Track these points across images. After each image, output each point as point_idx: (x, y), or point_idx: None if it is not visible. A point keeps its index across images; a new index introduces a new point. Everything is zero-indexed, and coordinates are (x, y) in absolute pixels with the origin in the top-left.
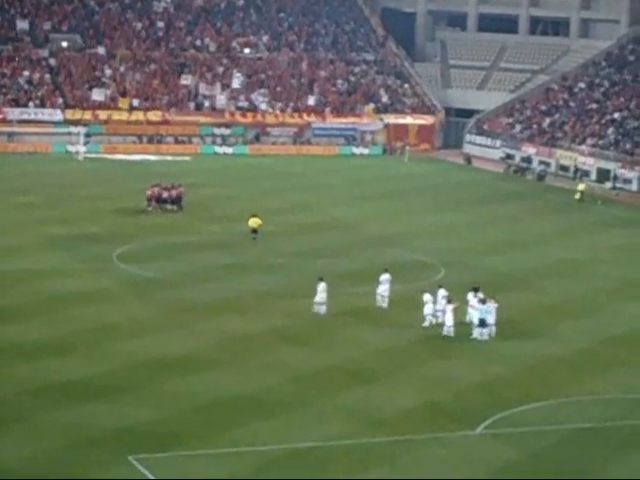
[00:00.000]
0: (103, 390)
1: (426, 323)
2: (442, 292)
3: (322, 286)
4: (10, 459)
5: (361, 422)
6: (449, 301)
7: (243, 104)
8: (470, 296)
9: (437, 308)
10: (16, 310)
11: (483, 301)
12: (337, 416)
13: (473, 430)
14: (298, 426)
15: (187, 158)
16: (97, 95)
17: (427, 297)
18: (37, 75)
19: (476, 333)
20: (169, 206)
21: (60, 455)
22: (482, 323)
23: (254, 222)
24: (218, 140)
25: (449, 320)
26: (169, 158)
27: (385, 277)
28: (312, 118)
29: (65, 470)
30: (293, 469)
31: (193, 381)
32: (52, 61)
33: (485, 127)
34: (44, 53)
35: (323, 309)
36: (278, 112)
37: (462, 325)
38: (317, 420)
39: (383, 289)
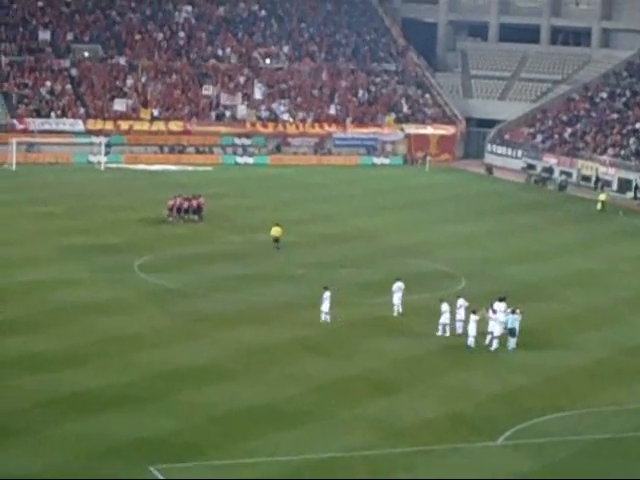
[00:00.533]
0: (121, 400)
1: (439, 332)
2: (461, 302)
3: (327, 294)
4: (25, 470)
5: (382, 432)
6: (474, 312)
7: (264, 114)
8: (496, 306)
9: (457, 318)
10: (34, 321)
11: (513, 311)
12: (358, 426)
13: (494, 441)
14: (319, 436)
15: (208, 168)
16: (118, 105)
17: (445, 307)
18: (59, 85)
19: (512, 343)
20: (190, 216)
21: (77, 466)
22: (512, 333)
23: (276, 231)
24: (239, 150)
25: (472, 330)
26: (190, 168)
27: (397, 285)
28: (333, 128)
29: None
30: (314, 479)
31: (212, 391)
32: (73, 71)
33: (506, 137)
34: (66, 63)
35: (328, 318)
36: (299, 122)
37: (482, 335)
38: (338, 430)
39: (397, 297)
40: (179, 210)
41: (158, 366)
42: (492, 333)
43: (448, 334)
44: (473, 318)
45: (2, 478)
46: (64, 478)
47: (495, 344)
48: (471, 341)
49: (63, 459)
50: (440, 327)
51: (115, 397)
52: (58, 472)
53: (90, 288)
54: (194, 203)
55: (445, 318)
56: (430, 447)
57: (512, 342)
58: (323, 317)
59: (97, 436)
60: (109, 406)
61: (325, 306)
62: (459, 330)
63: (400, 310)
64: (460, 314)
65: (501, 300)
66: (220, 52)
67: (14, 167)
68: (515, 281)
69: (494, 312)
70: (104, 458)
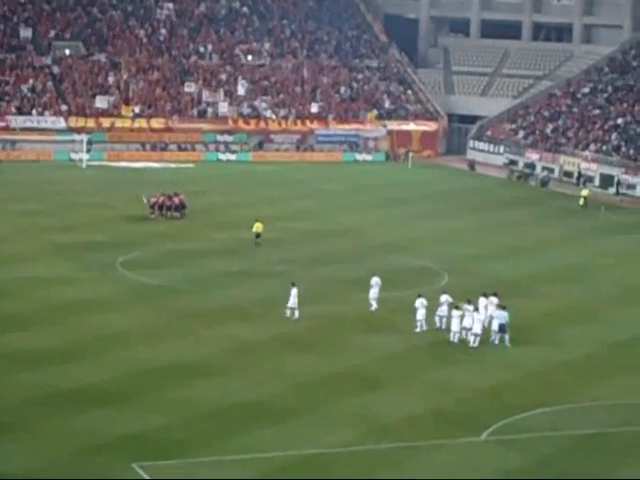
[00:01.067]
0: (108, 397)
1: (417, 329)
2: (445, 298)
3: (294, 291)
4: (16, 467)
5: (366, 428)
6: (456, 307)
7: (246, 111)
8: (480, 301)
9: (440, 314)
10: (21, 318)
11: (503, 307)
12: (342, 422)
13: (478, 436)
14: (304, 432)
15: (190, 165)
16: (100, 103)
17: (419, 303)
18: (40, 83)
19: (506, 340)
20: (172, 213)
21: (65, 462)
22: (502, 328)
23: (257, 227)
24: (221, 147)
25: (455, 326)
26: (172, 165)
27: (375, 280)
28: (315, 125)
29: (71, 476)
30: (299, 475)
31: (199, 388)
32: (55, 69)
33: (488, 133)
34: (47, 61)
35: (296, 314)
36: (281, 119)
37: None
38: (323, 426)
39: (373, 292)
40: (161, 207)
41: (144, 363)
42: (471, 329)
43: (426, 328)
44: (456, 314)
45: None
46: (50, 476)
47: (475, 341)
48: (454, 337)
49: (49, 456)
50: (418, 324)
51: (101, 394)
52: (44, 469)
53: (75, 285)
54: (176, 200)
55: (420, 314)
56: (414, 443)
57: (506, 338)
58: (288, 313)
59: (84, 433)
60: (95, 403)
61: (292, 302)
62: (438, 324)
63: (375, 306)
64: (443, 310)
65: (494, 295)
66: (202, 49)
67: None
68: (498, 277)
69: (476, 309)
70: (90, 455)
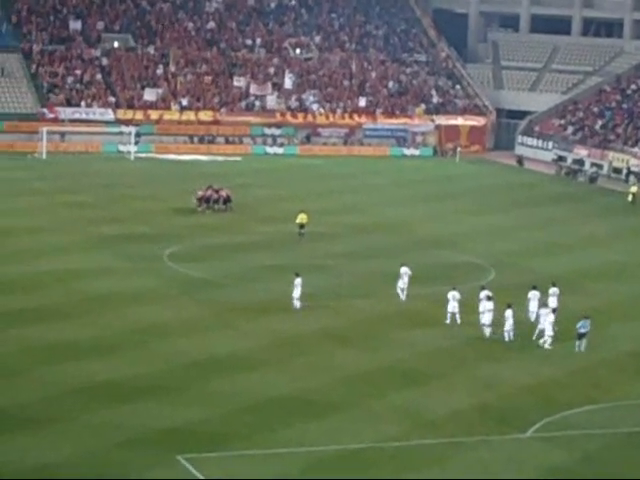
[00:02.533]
0: (151, 390)
1: (447, 320)
2: (486, 293)
3: (298, 281)
4: (58, 458)
5: (411, 423)
6: (489, 298)
7: (294, 104)
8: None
9: (480, 310)
10: (65, 309)
11: (586, 317)
12: (386, 417)
13: (523, 433)
14: (347, 427)
15: (238, 158)
16: (149, 95)
17: (451, 295)
18: (89, 75)
19: (582, 345)
20: (219, 206)
21: (108, 454)
22: (582, 336)
23: (302, 218)
24: (269, 140)
25: (487, 319)
26: (220, 158)
27: (404, 270)
28: (363, 119)
29: (113, 469)
30: (342, 470)
31: (241, 381)
32: (104, 61)
33: (537, 129)
34: (96, 53)
35: (298, 304)
36: (329, 113)
37: (520, 324)
38: (366, 421)
39: (402, 282)
40: (208, 200)
41: (187, 356)
42: (544, 330)
43: (459, 322)
44: (487, 306)
45: (33, 466)
46: (93, 467)
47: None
48: (487, 331)
49: (92, 448)
50: (448, 315)
51: (144, 386)
52: (87, 461)
53: (120, 277)
54: (222, 194)
55: (452, 307)
56: (459, 439)
57: (582, 344)
58: (294, 304)
59: (126, 425)
60: (138, 395)
61: (296, 292)
62: (483, 321)
63: (404, 296)
64: (484, 306)
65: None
66: (250, 42)
67: (44, 156)
68: (544, 273)
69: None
70: (133, 447)
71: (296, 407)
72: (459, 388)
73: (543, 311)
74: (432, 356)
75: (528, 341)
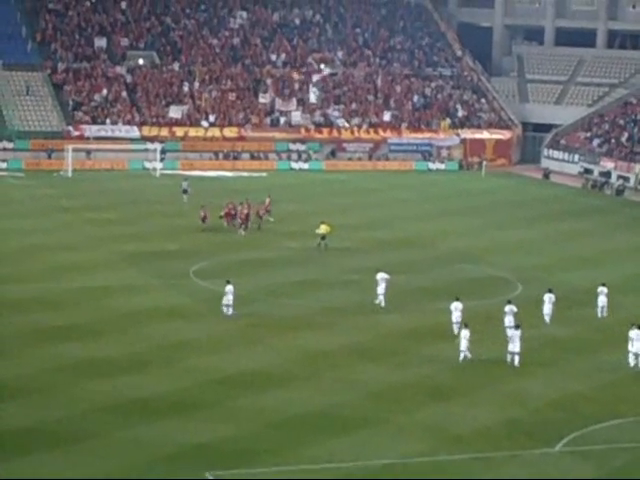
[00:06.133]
0: (179, 406)
1: (456, 331)
2: (511, 308)
3: (229, 288)
4: (89, 475)
5: (438, 439)
6: (466, 325)
7: (319, 120)
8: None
9: (506, 324)
10: (92, 327)
11: None
12: (413, 433)
13: (551, 448)
14: (374, 443)
15: (263, 174)
16: (174, 113)
17: (454, 306)
18: (114, 92)
19: None
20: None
21: (137, 471)
22: None
23: (323, 229)
24: (294, 156)
25: (462, 345)
26: (245, 174)
27: (381, 276)
28: (388, 134)
29: None
30: None
31: (268, 397)
32: (129, 78)
33: (563, 142)
34: (121, 70)
35: (230, 311)
36: (354, 128)
37: (546, 342)
38: (393, 437)
39: (380, 288)
40: (234, 217)
41: (215, 372)
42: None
43: (468, 357)
44: (463, 334)
45: None
46: None
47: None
48: (462, 355)
49: (121, 465)
50: (461, 354)
51: (173, 403)
52: (116, 478)
53: (147, 294)
54: (245, 211)
55: (455, 317)
56: (487, 454)
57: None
58: (225, 310)
59: (155, 442)
60: (167, 412)
61: (226, 299)
62: (509, 335)
63: (382, 301)
64: (510, 321)
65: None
66: (274, 57)
67: (70, 174)
68: (571, 287)
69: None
70: (161, 464)
71: (324, 423)
72: (486, 403)
73: (464, 332)
74: (459, 371)
75: (553, 355)
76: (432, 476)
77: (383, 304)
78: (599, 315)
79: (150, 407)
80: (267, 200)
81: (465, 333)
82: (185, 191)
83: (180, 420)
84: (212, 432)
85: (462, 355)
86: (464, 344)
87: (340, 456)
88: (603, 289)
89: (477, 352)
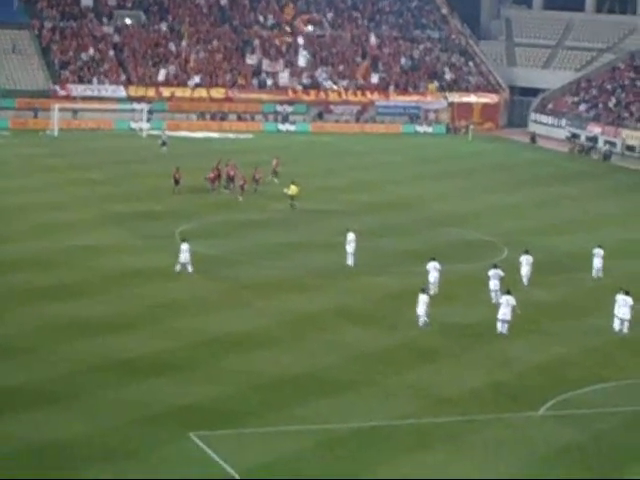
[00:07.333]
0: (164, 367)
1: (493, 300)
2: (497, 272)
3: (185, 246)
4: (70, 434)
5: (425, 401)
6: (422, 290)
7: (306, 82)
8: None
9: (491, 288)
10: (78, 287)
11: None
12: (400, 395)
13: (535, 411)
14: (361, 405)
15: (250, 136)
16: (162, 76)
17: (432, 265)
18: (101, 51)
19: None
20: (228, 184)
21: (121, 431)
22: None
23: (292, 189)
24: (281, 118)
25: (420, 309)
26: (232, 136)
27: (351, 237)
28: (375, 96)
29: (126, 445)
30: (355, 448)
31: (255, 359)
32: (116, 37)
33: (550, 106)
34: (108, 30)
35: (190, 268)
36: (341, 90)
37: (532, 306)
38: (380, 399)
39: (350, 247)
40: (218, 178)
41: (200, 333)
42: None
43: (427, 324)
44: (421, 298)
45: (46, 441)
46: (105, 443)
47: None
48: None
49: (106, 424)
50: (420, 319)
51: (158, 364)
52: (100, 437)
53: (133, 255)
54: (231, 172)
55: (432, 277)
56: (473, 417)
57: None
58: (178, 268)
59: (140, 402)
60: (152, 372)
61: (182, 257)
62: (494, 300)
63: (351, 261)
64: (495, 285)
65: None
66: (262, 19)
67: (56, 133)
68: (557, 251)
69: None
70: (146, 424)
71: (310, 385)
72: (473, 366)
73: (421, 297)
74: (447, 334)
75: (539, 319)
76: (418, 437)
77: (352, 263)
78: (595, 276)
79: (135, 367)
80: (274, 161)
81: (423, 298)
82: (164, 143)
83: (165, 381)
84: (197, 393)
85: (421, 320)
86: (422, 309)
87: (326, 418)
88: (599, 251)
89: (464, 315)
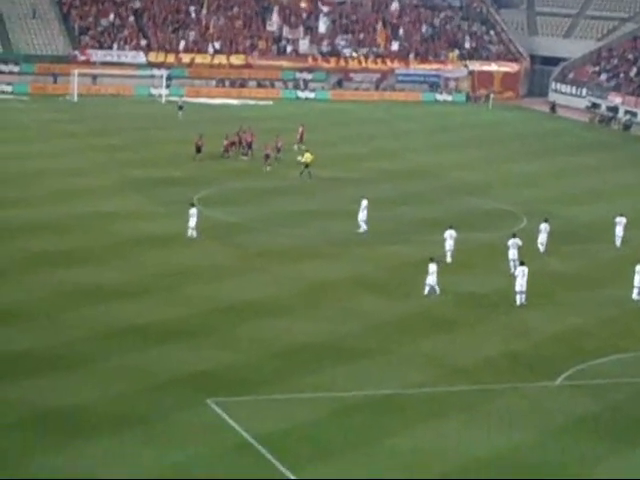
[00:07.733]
0: (181, 333)
1: (425, 292)
2: (515, 241)
3: (193, 211)
4: (84, 400)
5: (440, 370)
6: (431, 259)
7: (326, 49)
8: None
9: (510, 257)
10: (95, 252)
11: None
12: (416, 364)
13: (552, 381)
14: (376, 373)
15: (269, 102)
16: (181, 45)
17: (449, 233)
18: (121, 17)
19: None
20: (247, 151)
21: (136, 397)
22: None
23: (307, 157)
24: (300, 85)
25: (429, 279)
26: (251, 102)
27: (365, 204)
28: (395, 64)
29: (141, 411)
30: (369, 415)
31: (271, 326)
32: (136, 3)
33: (571, 75)
34: None
35: (194, 233)
36: (361, 57)
37: (548, 277)
38: (395, 367)
39: (362, 215)
40: (234, 145)
41: (216, 300)
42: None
43: (437, 293)
44: (431, 267)
45: (59, 407)
46: (120, 409)
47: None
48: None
49: (120, 390)
50: (427, 287)
51: (174, 330)
52: (115, 403)
53: (150, 221)
54: (248, 138)
55: (431, 279)
56: (488, 386)
57: None
58: (189, 233)
59: (155, 368)
60: (168, 339)
61: (192, 222)
62: (512, 270)
63: (364, 228)
64: (513, 253)
65: None
66: None
67: (75, 98)
68: (577, 221)
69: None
70: (162, 390)
71: (325, 353)
72: (490, 335)
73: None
74: (463, 303)
75: (557, 289)
76: (432, 406)
77: (362, 229)
78: (617, 245)
79: (150, 334)
80: (300, 129)
81: (432, 267)
82: (180, 107)
83: (181, 347)
84: (213, 360)
85: (427, 288)
86: (430, 278)
87: (342, 385)
88: (622, 219)
89: (481, 284)
